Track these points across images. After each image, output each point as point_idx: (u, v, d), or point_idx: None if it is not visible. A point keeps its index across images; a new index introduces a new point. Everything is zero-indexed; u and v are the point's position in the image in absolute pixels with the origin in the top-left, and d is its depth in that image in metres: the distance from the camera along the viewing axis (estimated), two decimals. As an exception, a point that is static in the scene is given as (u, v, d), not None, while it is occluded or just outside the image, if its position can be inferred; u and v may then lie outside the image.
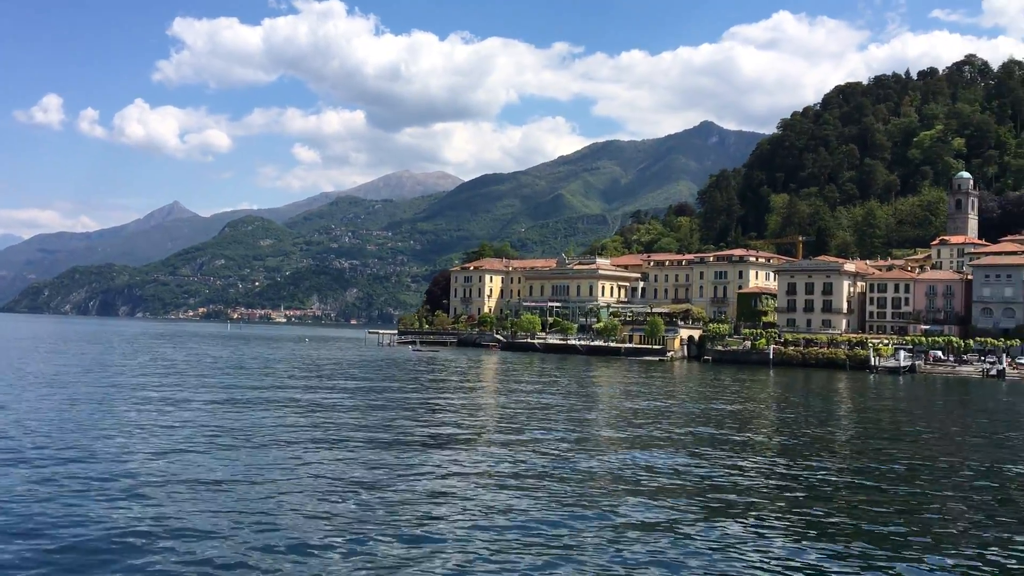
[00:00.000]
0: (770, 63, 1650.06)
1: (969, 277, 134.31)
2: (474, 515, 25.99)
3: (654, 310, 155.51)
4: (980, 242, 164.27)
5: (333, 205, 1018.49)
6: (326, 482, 29.89)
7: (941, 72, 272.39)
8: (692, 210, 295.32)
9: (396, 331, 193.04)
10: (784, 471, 35.59)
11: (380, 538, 23.15)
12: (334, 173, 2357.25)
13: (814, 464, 37.54)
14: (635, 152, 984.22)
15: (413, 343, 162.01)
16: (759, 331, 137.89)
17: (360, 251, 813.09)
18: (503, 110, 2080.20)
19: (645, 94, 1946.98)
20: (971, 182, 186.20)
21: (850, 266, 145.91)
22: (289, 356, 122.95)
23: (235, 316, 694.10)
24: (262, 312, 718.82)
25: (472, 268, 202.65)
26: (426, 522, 25.05)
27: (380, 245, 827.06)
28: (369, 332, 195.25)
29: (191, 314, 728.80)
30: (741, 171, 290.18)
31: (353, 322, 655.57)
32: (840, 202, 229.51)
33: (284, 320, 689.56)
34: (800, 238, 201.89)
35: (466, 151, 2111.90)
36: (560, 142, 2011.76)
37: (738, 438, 45.64)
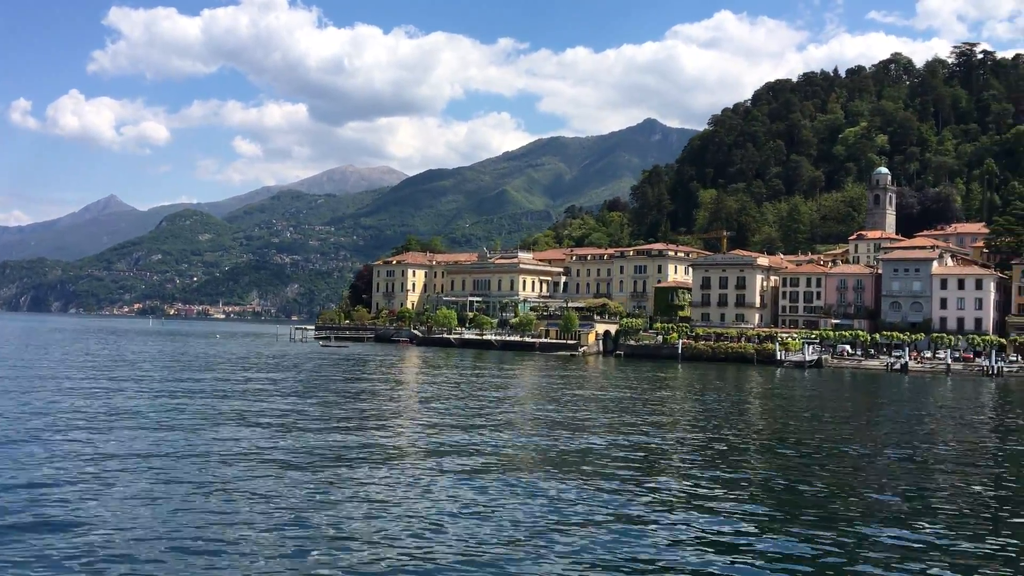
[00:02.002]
0: (712, 62, 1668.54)
1: (879, 271, 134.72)
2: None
3: (571, 305, 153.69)
4: (896, 237, 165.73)
5: (275, 199, 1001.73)
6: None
7: (868, 70, 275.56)
8: (625, 206, 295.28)
9: (314, 326, 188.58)
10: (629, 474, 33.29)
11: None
12: (276, 167, 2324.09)
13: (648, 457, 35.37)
14: (579, 149, 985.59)
15: (327, 338, 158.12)
16: (671, 325, 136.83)
17: (302, 246, 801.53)
18: (448, 105, 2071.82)
19: (589, 91, 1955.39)
20: (889, 177, 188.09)
21: (763, 260, 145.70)
22: (177, 351, 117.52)
23: (172, 312, 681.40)
24: (200, 308, 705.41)
25: (395, 262, 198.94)
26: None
27: (322, 240, 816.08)
28: (295, 328, 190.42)
29: (126, 310, 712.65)
30: (674, 167, 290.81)
31: (294, 318, 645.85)
32: (767, 198, 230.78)
33: (223, 316, 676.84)
34: (724, 233, 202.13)
35: (411, 146, 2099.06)
36: (505, 138, 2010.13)
37: (599, 442, 43.27)
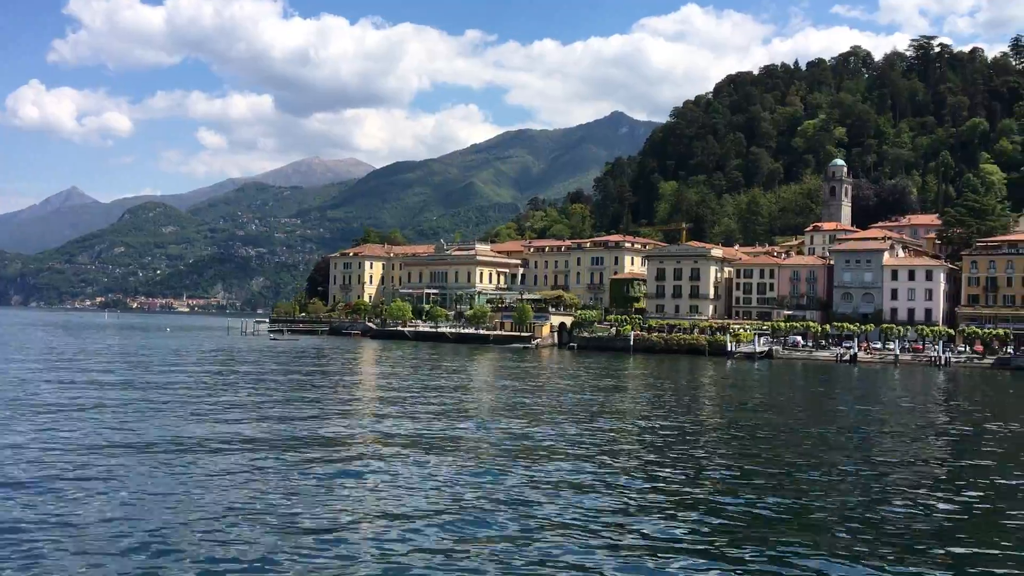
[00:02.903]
0: (678, 55, 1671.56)
1: (831, 263, 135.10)
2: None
3: (526, 297, 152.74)
4: (852, 229, 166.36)
5: (240, 191, 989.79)
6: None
7: (828, 63, 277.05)
8: (589, 198, 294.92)
9: (268, 319, 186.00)
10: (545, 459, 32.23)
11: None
12: (241, 159, 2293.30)
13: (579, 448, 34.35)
14: (547, 141, 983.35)
15: (280, 332, 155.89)
16: (625, 317, 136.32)
17: (267, 239, 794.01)
18: (416, 97, 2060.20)
19: (557, 83, 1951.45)
20: (844, 169, 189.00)
21: (717, 252, 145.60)
22: (110, 346, 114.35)
23: (135, 305, 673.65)
24: (164, 301, 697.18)
25: (352, 254, 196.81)
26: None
27: (288, 233, 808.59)
28: (247, 321, 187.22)
29: (88, 303, 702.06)
30: (637, 159, 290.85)
31: (259, 311, 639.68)
32: (727, 189, 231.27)
33: (187, 310, 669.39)
34: (684, 225, 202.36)
35: (378, 138, 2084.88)
36: (473, 130, 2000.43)
37: (539, 433, 42.18)
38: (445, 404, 51.71)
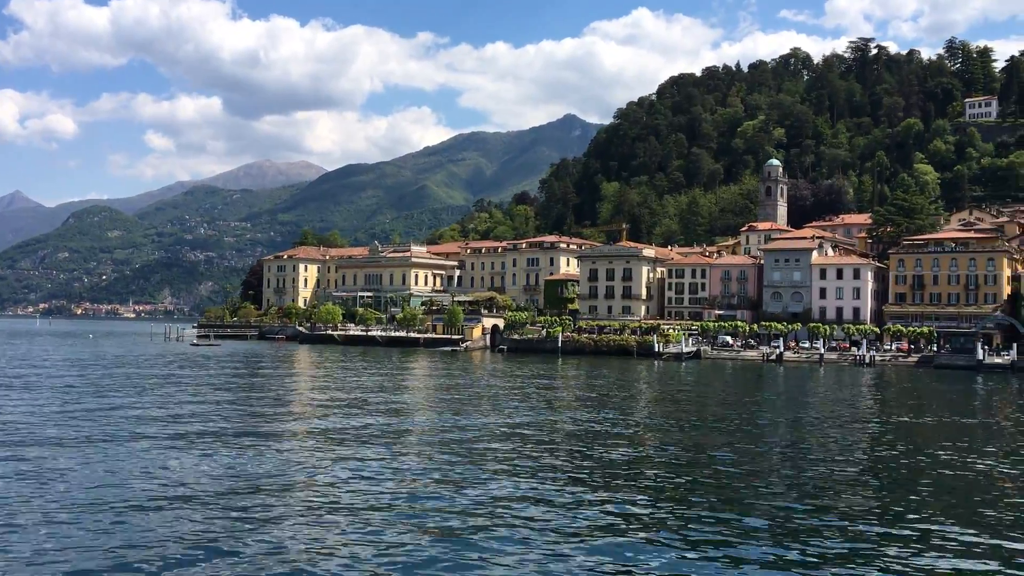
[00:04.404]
0: (629, 58, 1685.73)
1: (762, 262, 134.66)
2: None
3: (458, 299, 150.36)
4: (786, 228, 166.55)
5: (188, 195, 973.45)
6: None
7: (769, 64, 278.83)
8: (535, 200, 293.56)
9: (196, 324, 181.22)
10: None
11: None
12: (190, 162, 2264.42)
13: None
14: (500, 144, 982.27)
15: (207, 336, 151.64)
16: (555, 318, 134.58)
17: (216, 243, 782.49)
18: (368, 99, 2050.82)
19: (510, 86, 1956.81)
20: (780, 169, 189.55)
21: (649, 252, 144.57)
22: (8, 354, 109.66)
23: (79, 312, 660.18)
24: (109, 307, 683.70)
25: (286, 257, 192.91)
26: None
27: (238, 236, 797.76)
28: (189, 327, 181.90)
29: (31, 310, 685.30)
30: (581, 160, 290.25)
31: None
32: (668, 190, 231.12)
33: (133, 316, 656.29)
34: (624, 225, 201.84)
35: (331, 140, 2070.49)
36: (426, 133, 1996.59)
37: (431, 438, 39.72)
38: (307, 418, 49.15)
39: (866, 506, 26.88)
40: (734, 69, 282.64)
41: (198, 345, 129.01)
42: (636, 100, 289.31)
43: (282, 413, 48.12)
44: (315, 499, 25.89)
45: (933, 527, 24.44)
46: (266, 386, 63.97)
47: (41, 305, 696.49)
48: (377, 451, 35.11)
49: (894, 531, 23.98)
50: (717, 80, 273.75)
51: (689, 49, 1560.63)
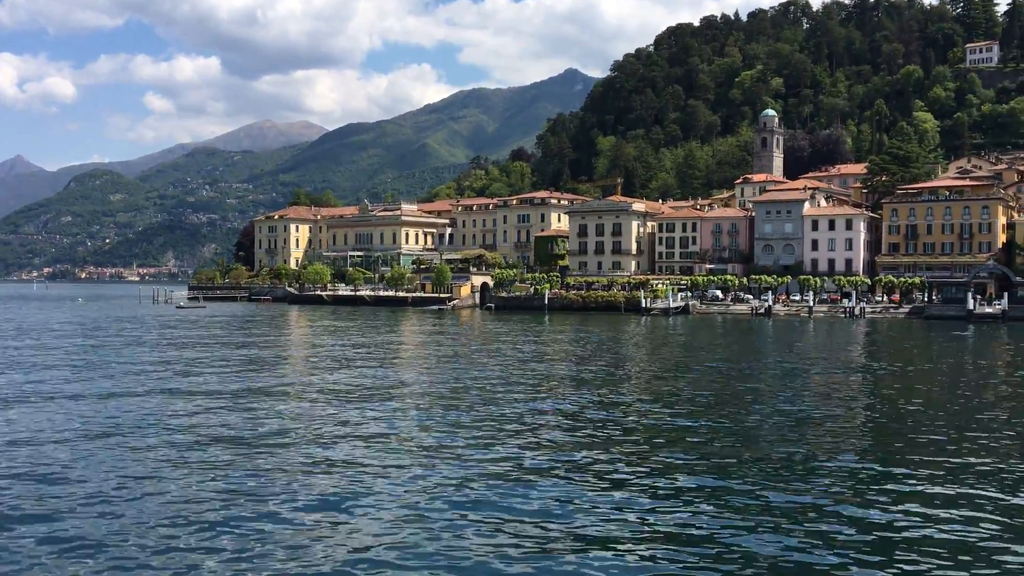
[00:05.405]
0: (631, 10, 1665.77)
1: (753, 215, 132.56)
2: None
3: (447, 257, 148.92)
4: (781, 180, 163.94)
5: (189, 157, 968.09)
6: None
7: (768, 12, 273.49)
8: (531, 156, 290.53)
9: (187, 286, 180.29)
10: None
11: None
12: (191, 123, 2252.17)
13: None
14: (500, 100, 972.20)
15: (196, 299, 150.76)
16: (544, 275, 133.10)
17: (219, 205, 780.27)
18: (367, 57, 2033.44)
19: (510, 41, 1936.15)
20: (776, 120, 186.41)
21: (639, 206, 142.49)
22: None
23: (83, 276, 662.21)
24: (113, 271, 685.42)
25: (277, 217, 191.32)
26: None
27: (240, 198, 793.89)
28: (175, 289, 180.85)
29: (36, 274, 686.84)
30: (578, 115, 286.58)
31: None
32: (665, 143, 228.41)
33: (137, 279, 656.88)
34: (618, 180, 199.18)
35: (331, 99, 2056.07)
36: (427, 90, 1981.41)
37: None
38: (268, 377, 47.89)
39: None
40: (732, 18, 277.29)
41: (183, 307, 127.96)
42: (633, 52, 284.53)
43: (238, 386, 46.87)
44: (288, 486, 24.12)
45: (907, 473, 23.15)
46: (231, 357, 62.70)
47: (45, 270, 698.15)
48: (335, 430, 33.81)
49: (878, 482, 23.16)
50: (715, 30, 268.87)
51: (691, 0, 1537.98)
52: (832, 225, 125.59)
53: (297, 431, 29.78)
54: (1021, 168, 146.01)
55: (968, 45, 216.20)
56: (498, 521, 19.59)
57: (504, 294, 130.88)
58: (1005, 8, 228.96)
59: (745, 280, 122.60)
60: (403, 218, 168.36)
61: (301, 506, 20.72)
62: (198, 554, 17.46)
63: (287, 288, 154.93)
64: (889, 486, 22.63)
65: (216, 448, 26.70)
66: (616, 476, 23.65)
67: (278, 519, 19.69)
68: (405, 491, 21.86)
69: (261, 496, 21.29)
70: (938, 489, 22.44)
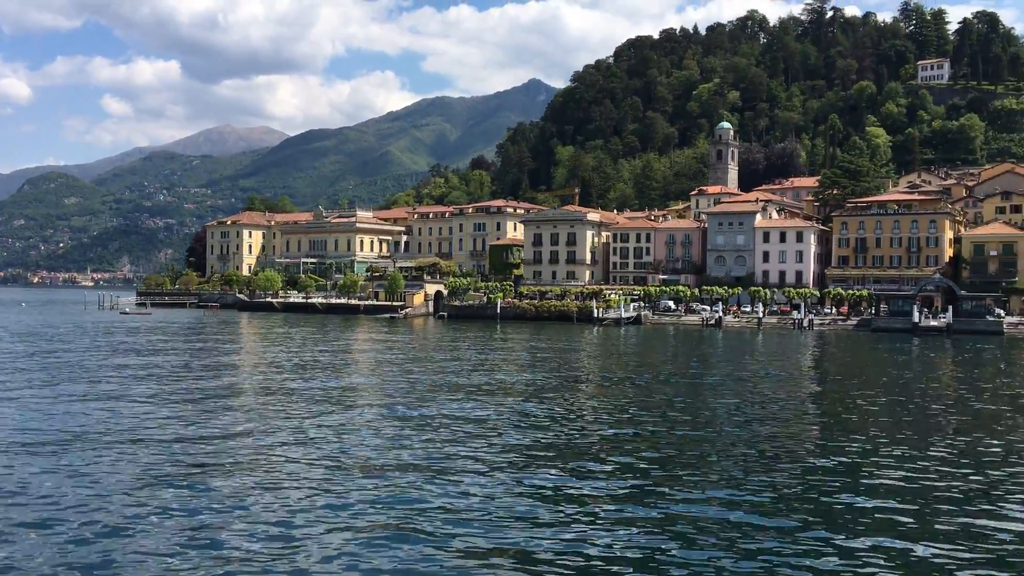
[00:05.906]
0: (595, 22, 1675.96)
1: (706, 226, 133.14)
2: None
3: (401, 265, 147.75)
4: (736, 192, 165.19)
5: (147, 160, 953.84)
6: None
7: (726, 27, 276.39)
8: (491, 164, 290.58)
9: (135, 292, 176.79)
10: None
11: None
12: (149, 127, 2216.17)
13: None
14: (464, 109, 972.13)
15: (143, 304, 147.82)
16: (498, 284, 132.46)
17: (176, 209, 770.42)
18: (330, 63, 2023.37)
19: (474, 50, 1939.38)
20: (731, 132, 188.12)
21: (594, 216, 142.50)
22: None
23: (35, 280, 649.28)
24: (66, 276, 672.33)
25: (229, 223, 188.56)
26: None
27: (198, 203, 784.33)
28: (104, 294, 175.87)
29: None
30: (538, 125, 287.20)
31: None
32: (623, 154, 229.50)
33: (91, 284, 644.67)
34: (576, 190, 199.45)
35: (292, 105, 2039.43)
36: (390, 97, 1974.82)
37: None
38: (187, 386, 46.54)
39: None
40: (691, 32, 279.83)
41: (128, 314, 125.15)
42: (593, 64, 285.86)
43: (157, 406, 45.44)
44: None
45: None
46: (167, 364, 61.07)
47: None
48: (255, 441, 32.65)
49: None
50: (674, 43, 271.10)
51: (655, 13, 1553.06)
52: (783, 237, 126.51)
53: (219, 445, 28.67)
54: (969, 184, 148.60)
55: (920, 62, 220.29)
56: (426, 522, 19.54)
57: (457, 303, 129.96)
58: (956, 27, 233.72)
59: (697, 291, 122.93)
60: (358, 225, 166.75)
61: (239, 513, 20.21)
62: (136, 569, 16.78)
63: (237, 295, 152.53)
64: (828, 489, 22.95)
65: (131, 462, 25.53)
66: (554, 484, 23.42)
67: (213, 529, 19.11)
68: (347, 502, 21.49)
69: (192, 509, 20.50)
70: (876, 482, 22.34)
